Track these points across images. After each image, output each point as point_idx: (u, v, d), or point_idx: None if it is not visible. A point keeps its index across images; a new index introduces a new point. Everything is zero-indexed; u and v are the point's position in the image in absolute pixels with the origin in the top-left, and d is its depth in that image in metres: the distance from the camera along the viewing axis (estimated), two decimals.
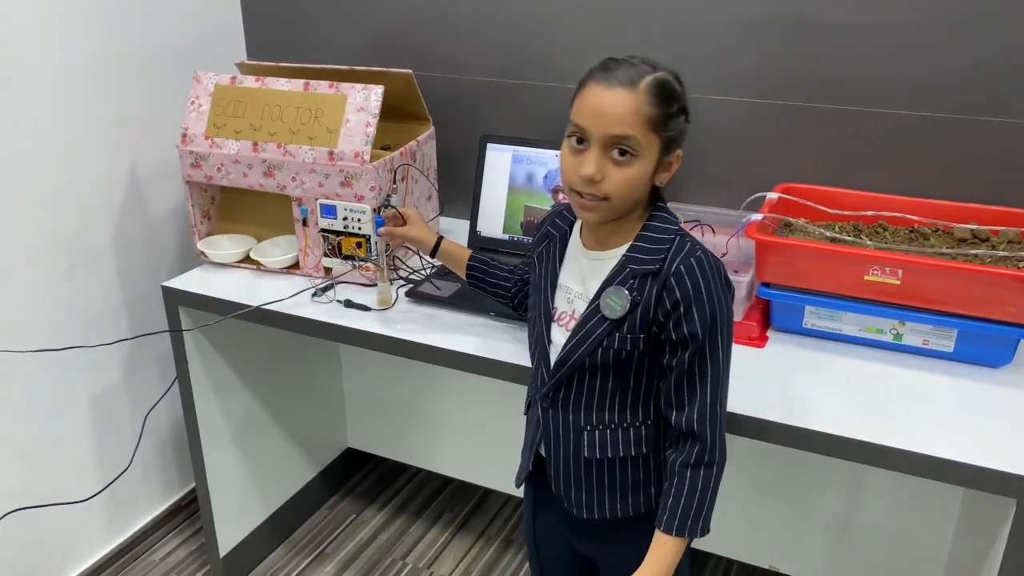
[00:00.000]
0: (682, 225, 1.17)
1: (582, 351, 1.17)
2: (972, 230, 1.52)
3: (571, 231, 1.25)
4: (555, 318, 1.22)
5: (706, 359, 1.11)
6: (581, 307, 1.19)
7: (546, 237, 1.27)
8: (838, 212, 1.61)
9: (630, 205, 1.13)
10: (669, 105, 1.09)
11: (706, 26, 1.71)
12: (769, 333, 1.52)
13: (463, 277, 1.47)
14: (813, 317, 1.48)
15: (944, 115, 1.58)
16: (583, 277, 1.20)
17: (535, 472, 1.29)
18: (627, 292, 1.13)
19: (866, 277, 1.40)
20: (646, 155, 1.08)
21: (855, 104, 1.64)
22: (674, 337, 1.11)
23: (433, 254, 1.50)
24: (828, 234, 1.55)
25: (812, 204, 1.60)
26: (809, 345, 1.48)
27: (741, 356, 1.44)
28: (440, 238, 1.50)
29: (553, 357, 1.21)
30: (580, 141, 1.09)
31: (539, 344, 1.24)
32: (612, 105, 1.06)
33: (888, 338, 1.44)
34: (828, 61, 1.63)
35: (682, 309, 1.10)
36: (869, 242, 1.52)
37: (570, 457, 1.22)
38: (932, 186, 1.62)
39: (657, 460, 1.21)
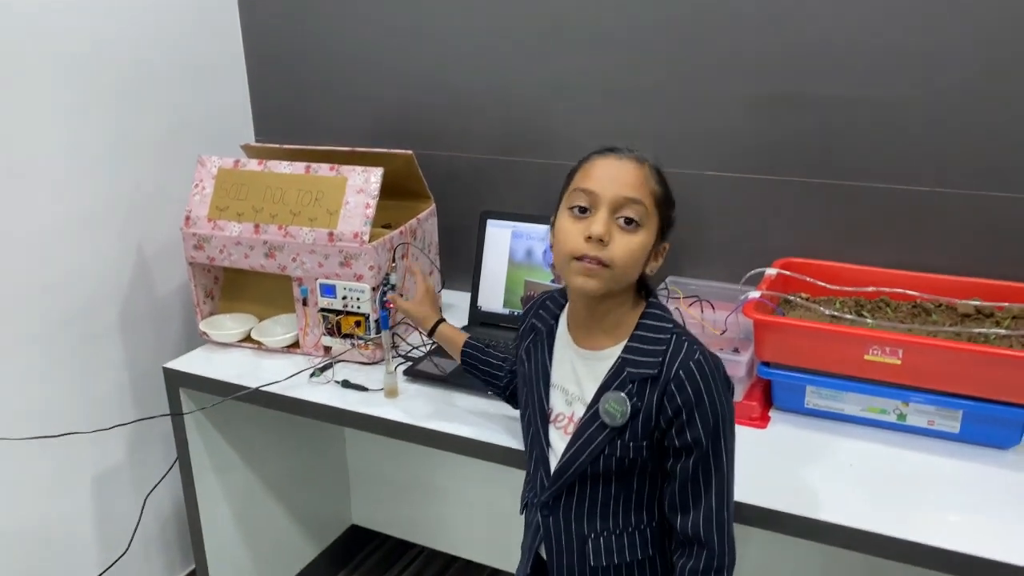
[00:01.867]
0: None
1: (583, 459, 1.14)
2: (976, 306, 1.50)
3: (557, 324, 1.23)
4: (552, 419, 1.20)
5: (710, 464, 1.08)
6: (580, 410, 1.16)
7: (532, 331, 1.25)
8: (839, 288, 1.59)
9: (624, 285, 1.11)
10: (667, 189, 1.12)
11: (705, 103, 1.73)
12: (771, 413, 1.50)
13: (458, 361, 1.46)
14: (815, 397, 1.46)
15: (945, 190, 1.57)
16: (577, 377, 1.17)
17: (535, 572, 1.25)
18: (627, 398, 1.10)
19: (866, 357, 1.37)
20: (649, 228, 1.09)
21: (854, 179, 1.64)
22: (677, 444, 1.09)
23: (431, 334, 1.49)
24: (828, 311, 1.53)
25: (812, 280, 1.58)
26: (812, 425, 1.45)
27: (744, 437, 1.40)
28: (440, 320, 1.49)
29: (553, 463, 1.18)
30: (583, 211, 1.09)
31: (536, 446, 1.20)
32: (624, 171, 1.08)
33: (892, 418, 1.41)
34: (827, 136, 1.64)
35: (684, 416, 1.08)
36: (870, 319, 1.51)
37: (574, 565, 1.18)
38: (933, 260, 1.60)
39: (664, 561, 1.17)
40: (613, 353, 1.14)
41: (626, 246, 1.07)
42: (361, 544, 2.44)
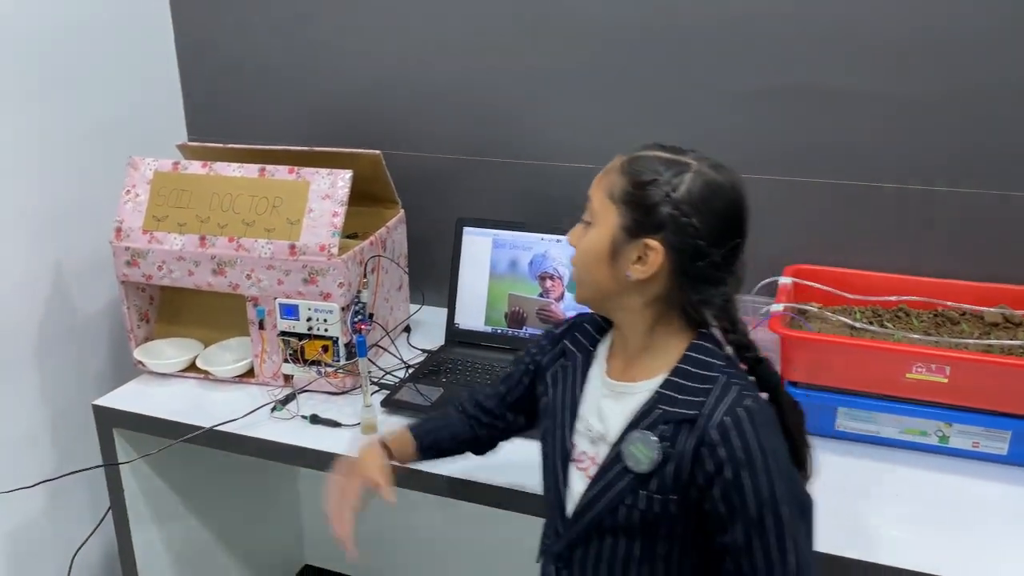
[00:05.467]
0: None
1: (600, 508, 0.97)
2: (1004, 314, 1.41)
3: (596, 352, 1.06)
4: (574, 458, 1.03)
5: (769, 539, 0.88)
6: (604, 452, 0.99)
7: (562, 355, 1.08)
8: (858, 297, 1.48)
9: (598, 292, 0.98)
10: (639, 177, 0.93)
11: (705, 97, 1.58)
12: None
13: (418, 458, 1.19)
14: (846, 419, 1.33)
15: (967, 190, 1.47)
16: (603, 413, 1.00)
17: None
18: (657, 441, 0.93)
19: (908, 375, 1.25)
20: (603, 225, 0.95)
21: (867, 179, 1.53)
22: (722, 510, 0.90)
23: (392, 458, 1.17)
24: (847, 321, 1.41)
25: (833, 290, 1.46)
26: (843, 450, 1.33)
27: None
28: (383, 445, 1.16)
29: (569, 507, 1.02)
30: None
31: (553, 488, 1.04)
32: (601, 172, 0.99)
33: (933, 440, 1.30)
34: (838, 133, 1.52)
35: (729, 475, 0.89)
36: (894, 330, 1.39)
37: None
38: (954, 266, 1.50)
39: None
40: (648, 387, 0.97)
41: (578, 246, 0.99)
42: None
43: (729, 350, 0.97)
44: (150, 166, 1.57)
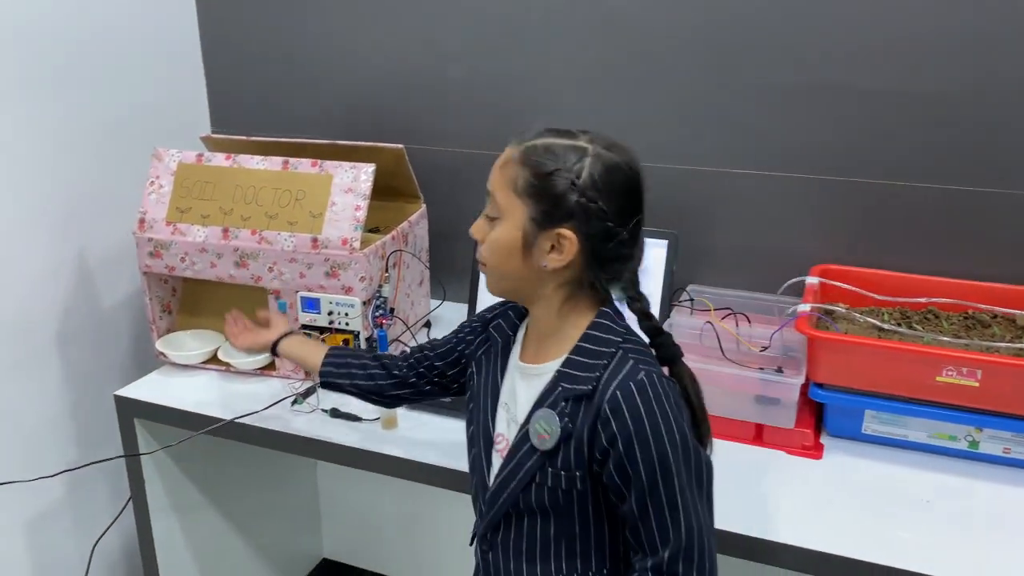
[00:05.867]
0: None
1: (512, 487, 0.99)
2: None
3: (515, 337, 1.07)
4: (495, 442, 1.04)
5: (662, 505, 0.90)
6: (516, 432, 1.01)
7: (487, 341, 1.10)
8: (887, 298, 1.45)
9: (513, 284, 0.99)
10: (541, 168, 0.93)
11: (730, 93, 1.56)
12: (823, 440, 1.34)
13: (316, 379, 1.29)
14: (874, 422, 1.31)
15: (999, 190, 1.44)
16: (516, 394, 1.02)
17: None
18: (557, 417, 0.94)
19: (938, 378, 1.23)
20: (512, 219, 0.95)
21: (895, 178, 1.50)
22: (618, 480, 0.92)
23: (273, 351, 1.33)
24: (875, 322, 1.39)
25: (861, 290, 1.44)
26: (871, 454, 1.30)
27: (798, 471, 1.27)
28: (281, 336, 1.33)
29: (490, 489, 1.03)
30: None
31: (477, 470, 1.06)
32: (497, 162, 0.98)
33: (963, 445, 1.27)
34: (867, 132, 1.49)
35: (621, 447, 0.91)
36: (923, 332, 1.37)
37: None
38: (983, 267, 1.47)
39: None
40: (554, 367, 0.98)
41: (488, 242, 0.98)
42: None
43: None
44: (174, 158, 1.57)
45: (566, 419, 0.94)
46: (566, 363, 0.97)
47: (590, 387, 0.93)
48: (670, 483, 0.90)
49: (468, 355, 1.13)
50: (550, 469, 0.95)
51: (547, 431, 0.95)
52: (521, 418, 1.00)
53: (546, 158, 0.94)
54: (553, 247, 0.94)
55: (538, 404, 0.98)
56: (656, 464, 0.90)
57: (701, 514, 0.92)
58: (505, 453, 1.01)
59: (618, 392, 0.91)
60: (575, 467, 0.94)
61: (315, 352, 1.28)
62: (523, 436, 0.98)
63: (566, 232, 0.93)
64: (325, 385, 1.26)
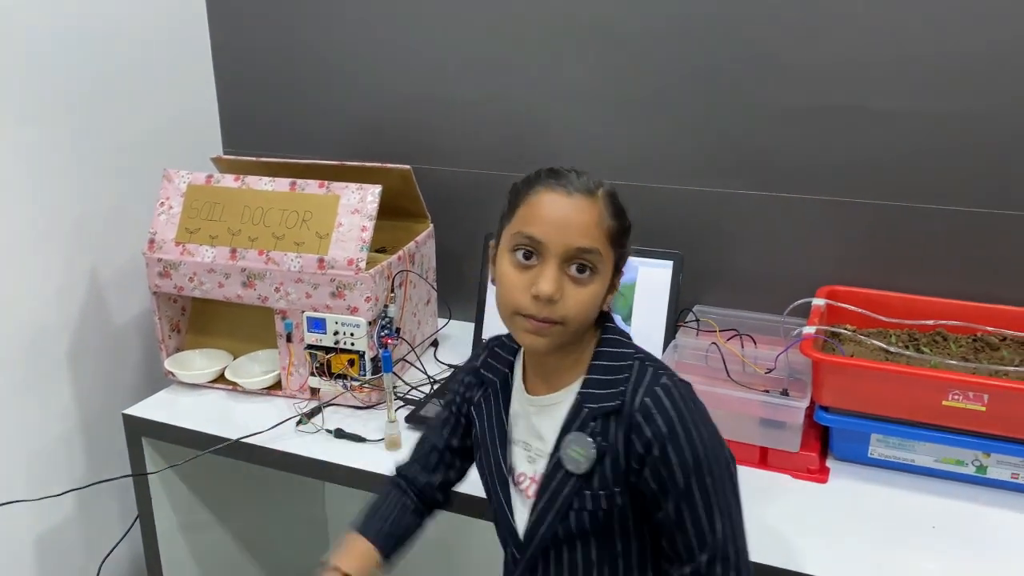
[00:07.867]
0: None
1: (551, 519, 0.97)
2: None
3: (512, 373, 1.05)
4: (514, 481, 1.03)
5: (697, 507, 0.91)
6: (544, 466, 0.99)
7: (480, 384, 1.08)
8: (894, 320, 1.44)
9: (583, 331, 0.96)
10: (623, 219, 0.96)
11: (736, 114, 1.56)
12: (828, 463, 1.33)
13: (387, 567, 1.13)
14: (880, 446, 1.30)
15: (1006, 212, 1.43)
16: (537, 430, 1.01)
17: None
18: (589, 439, 0.94)
19: (945, 402, 1.22)
20: (605, 272, 0.94)
21: (904, 199, 1.49)
22: (654, 486, 0.92)
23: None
24: (882, 345, 1.38)
25: (868, 312, 1.43)
26: (877, 478, 1.29)
27: (803, 495, 1.26)
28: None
29: (520, 530, 1.01)
30: (528, 256, 0.92)
31: (501, 517, 1.04)
32: (575, 213, 0.91)
33: (970, 471, 1.25)
34: (875, 153, 1.49)
35: (657, 451, 0.91)
36: (931, 355, 1.35)
37: None
38: (994, 289, 1.46)
39: None
40: (570, 392, 0.98)
41: (579, 299, 0.92)
42: None
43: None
44: (184, 179, 1.59)
45: (598, 437, 0.94)
46: (586, 383, 0.97)
47: (617, 402, 0.94)
48: (703, 485, 0.91)
49: (468, 411, 1.11)
50: (587, 492, 0.95)
51: (582, 454, 0.94)
52: (549, 449, 0.98)
53: (622, 208, 0.96)
54: (614, 287, 0.98)
55: (565, 429, 0.97)
56: (691, 464, 0.90)
57: (735, 514, 0.93)
58: (534, 491, 1.00)
59: (647, 399, 0.92)
60: (613, 484, 0.94)
61: (362, 549, 1.11)
62: (555, 465, 0.97)
63: (623, 273, 0.98)
64: (396, 562, 1.13)
